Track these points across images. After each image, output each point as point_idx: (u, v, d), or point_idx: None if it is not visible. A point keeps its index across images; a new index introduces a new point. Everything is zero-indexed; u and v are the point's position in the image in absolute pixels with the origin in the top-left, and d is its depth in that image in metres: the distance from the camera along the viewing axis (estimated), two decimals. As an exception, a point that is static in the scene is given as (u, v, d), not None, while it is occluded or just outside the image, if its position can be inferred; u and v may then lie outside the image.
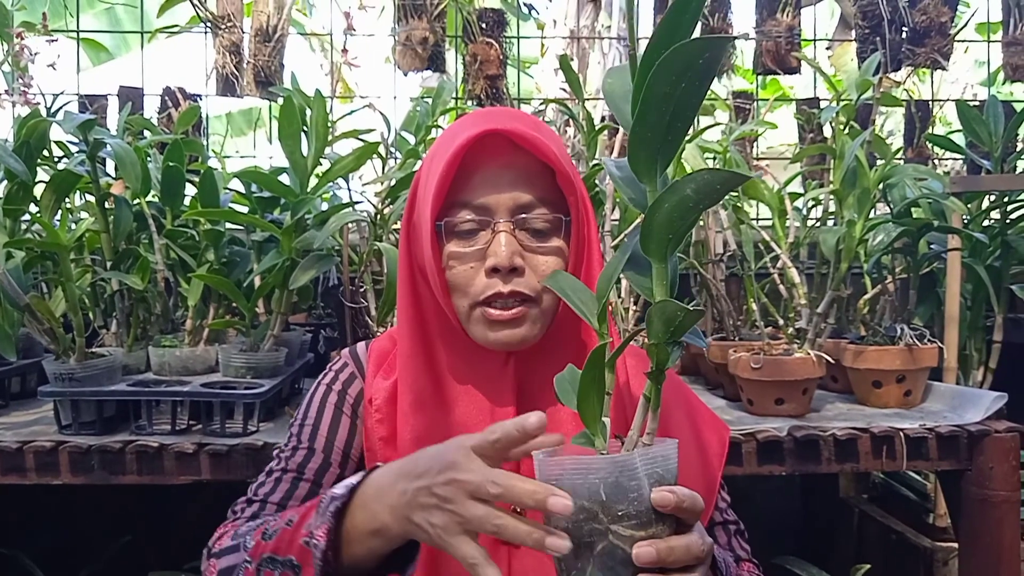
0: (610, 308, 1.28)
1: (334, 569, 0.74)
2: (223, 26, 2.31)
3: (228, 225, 1.70)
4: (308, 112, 1.56)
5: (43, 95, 1.89)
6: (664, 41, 0.58)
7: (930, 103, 2.65)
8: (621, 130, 1.81)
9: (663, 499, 0.62)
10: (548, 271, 0.86)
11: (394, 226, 1.77)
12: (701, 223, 1.95)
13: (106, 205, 1.64)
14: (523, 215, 0.86)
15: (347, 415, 0.99)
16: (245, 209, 1.72)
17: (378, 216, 1.78)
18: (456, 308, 0.89)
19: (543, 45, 4.91)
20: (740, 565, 0.95)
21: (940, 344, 1.67)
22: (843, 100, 1.72)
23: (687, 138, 1.74)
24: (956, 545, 1.69)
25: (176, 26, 2.83)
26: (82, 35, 2.62)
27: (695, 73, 0.56)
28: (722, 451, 0.97)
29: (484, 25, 2.37)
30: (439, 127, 1.92)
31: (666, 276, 0.64)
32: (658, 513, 0.62)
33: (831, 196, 1.73)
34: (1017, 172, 2.01)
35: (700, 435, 0.96)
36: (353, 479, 0.77)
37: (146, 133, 1.97)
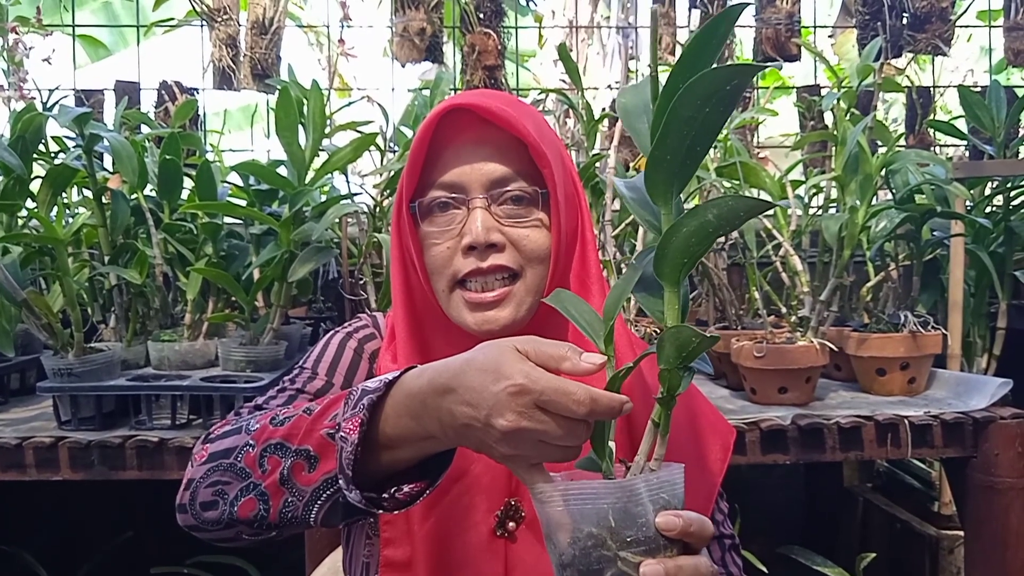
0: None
1: (360, 464, 0.66)
2: (219, 19, 2.29)
3: (226, 218, 1.69)
4: (305, 104, 1.55)
5: (39, 90, 1.88)
6: (689, 65, 0.58)
7: (931, 90, 2.63)
8: (620, 122, 1.80)
9: (669, 523, 0.61)
10: (530, 244, 0.84)
11: (393, 218, 1.77)
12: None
13: (103, 199, 1.63)
14: (498, 190, 0.84)
15: (365, 362, 0.96)
16: (243, 202, 1.71)
17: (377, 208, 1.77)
18: (436, 291, 0.87)
19: (541, 37, 4.89)
20: None
21: (944, 331, 1.66)
22: (844, 87, 1.70)
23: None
24: (961, 533, 1.69)
25: (172, 19, 2.81)
26: (81, 32, 2.61)
27: (720, 99, 0.56)
28: (724, 456, 0.93)
29: (482, 15, 2.36)
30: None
31: (678, 300, 0.63)
32: (666, 538, 0.62)
33: (833, 183, 1.72)
34: (1020, 157, 1.99)
35: (701, 441, 0.93)
36: (388, 375, 0.69)
37: (143, 127, 1.96)
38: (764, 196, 1.78)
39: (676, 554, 0.62)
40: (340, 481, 0.66)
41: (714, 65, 0.56)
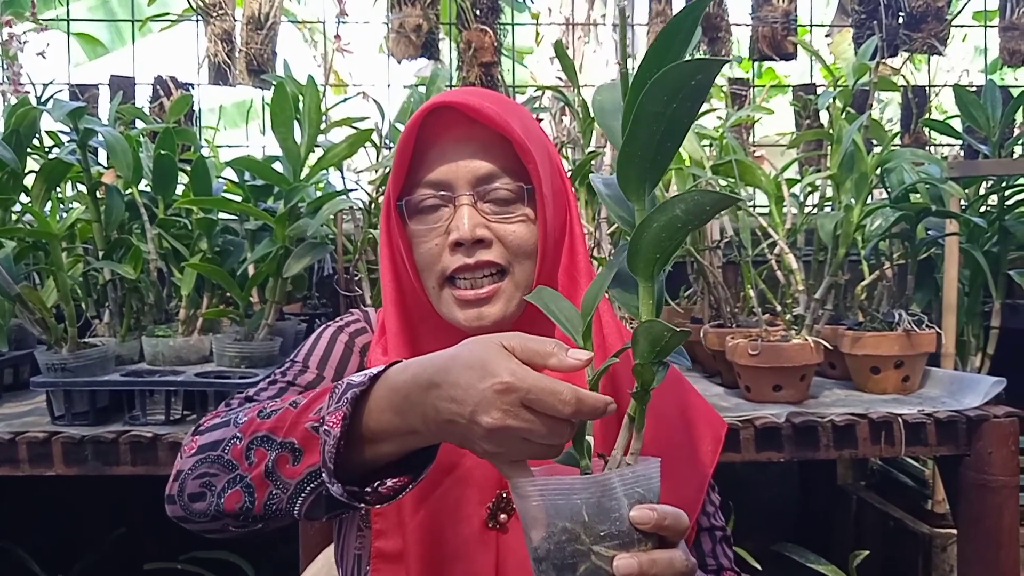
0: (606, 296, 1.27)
1: (343, 458, 0.66)
2: (215, 14, 2.29)
3: (221, 214, 1.68)
4: (301, 100, 1.55)
5: (33, 84, 1.87)
6: (657, 60, 0.58)
7: (927, 89, 2.64)
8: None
9: (643, 517, 0.61)
10: (516, 240, 0.85)
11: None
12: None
13: (97, 194, 1.63)
14: (484, 186, 0.84)
15: (356, 356, 0.97)
16: (238, 198, 1.71)
17: (372, 204, 1.77)
18: (426, 288, 0.88)
19: (538, 34, 4.89)
20: (722, 575, 0.92)
21: (938, 330, 1.67)
22: (840, 85, 1.71)
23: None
24: (955, 531, 1.69)
25: (168, 14, 2.80)
26: (78, 29, 2.60)
27: (687, 93, 0.56)
28: (716, 448, 0.93)
29: (478, 12, 2.35)
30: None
31: (652, 295, 0.63)
32: (641, 533, 0.62)
33: (828, 181, 1.72)
34: (1015, 157, 2.00)
35: (693, 433, 0.93)
36: (372, 369, 0.69)
37: (138, 122, 1.95)
38: (761, 196, 1.78)
39: (651, 548, 0.62)
40: (323, 475, 0.66)
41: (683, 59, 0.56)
